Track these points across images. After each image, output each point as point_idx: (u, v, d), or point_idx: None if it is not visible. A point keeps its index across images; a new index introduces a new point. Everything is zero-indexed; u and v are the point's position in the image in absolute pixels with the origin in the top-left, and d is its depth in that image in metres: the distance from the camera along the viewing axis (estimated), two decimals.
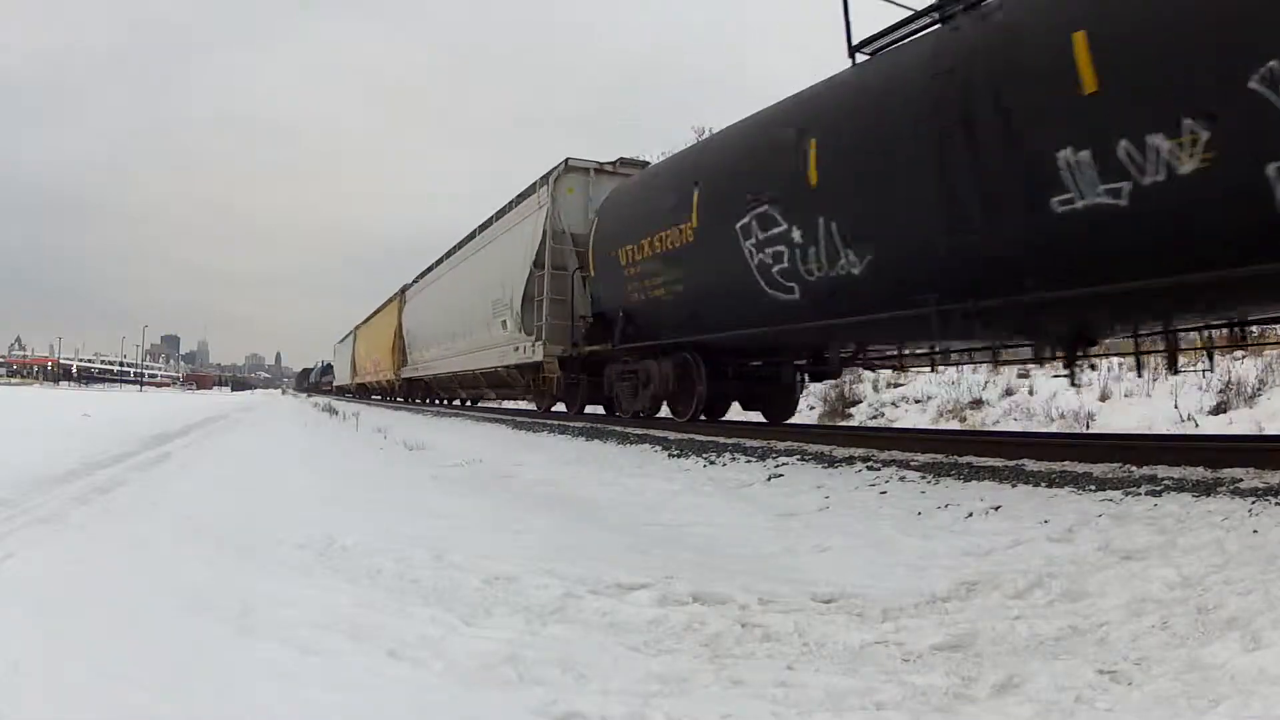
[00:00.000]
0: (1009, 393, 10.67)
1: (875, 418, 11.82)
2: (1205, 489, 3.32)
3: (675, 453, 6.65)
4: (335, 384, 45.25)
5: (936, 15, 5.10)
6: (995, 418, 10.13)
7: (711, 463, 5.99)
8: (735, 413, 9.90)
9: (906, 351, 7.04)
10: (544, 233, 10.94)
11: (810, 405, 12.75)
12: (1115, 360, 9.42)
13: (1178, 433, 7.39)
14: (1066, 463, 4.21)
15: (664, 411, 9.08)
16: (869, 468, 4.94)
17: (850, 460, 5.22)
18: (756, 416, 9.61)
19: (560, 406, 12.42)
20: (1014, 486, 3.96)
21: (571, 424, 10.16)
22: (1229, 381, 8.36)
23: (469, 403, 21.10)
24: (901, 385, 12.17)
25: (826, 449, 5.73)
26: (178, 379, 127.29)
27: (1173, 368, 5.20)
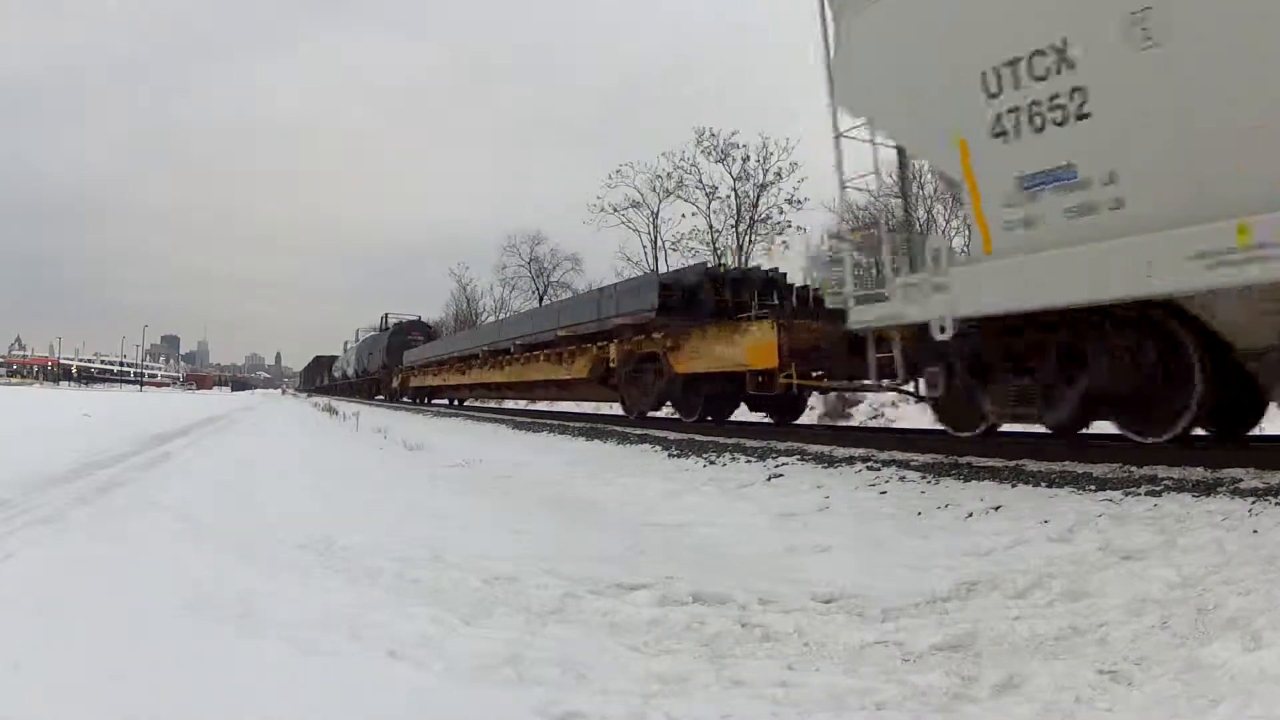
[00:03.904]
0: None
1: (875, 418, 11.82)
2: (1205, 489, 3.32)
3: (675, 453, 6.65)
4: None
5: None
6: None
7: (712, 463, 6.00)
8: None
9: None
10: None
11: (811, 405, 12.75)
12: None
13: None
14: (1066, 463, 4.21)
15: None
16: (869, 468, 4.94)
17: (850, 460, 5.22)
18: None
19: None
20: (1014, 486, 3.96)
21: (571, 424, 10.16)
22: None
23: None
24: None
25: (826, 449, 5.73)
26: (178, 379, 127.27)
27: None
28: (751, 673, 1.92)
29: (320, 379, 54.72)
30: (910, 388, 5.77)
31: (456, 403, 22.46)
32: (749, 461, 5.78)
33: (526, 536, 3.52)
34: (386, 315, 34.23)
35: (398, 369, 26.11)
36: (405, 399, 25.61)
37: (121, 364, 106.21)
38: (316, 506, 4.32)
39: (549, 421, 11.36)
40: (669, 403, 9.01)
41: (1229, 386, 4.02)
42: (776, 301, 8.60)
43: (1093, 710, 1.66)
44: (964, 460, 4.66)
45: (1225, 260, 3.38)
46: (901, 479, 4.52)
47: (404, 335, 29.19)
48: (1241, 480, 3.34)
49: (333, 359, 50.21)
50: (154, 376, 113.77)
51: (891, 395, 10.23)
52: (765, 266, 10.20)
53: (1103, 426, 5.77)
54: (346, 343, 45.10)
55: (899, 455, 5.12)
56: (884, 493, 4.33)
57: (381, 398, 29.84)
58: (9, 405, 17.62)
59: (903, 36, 4.94)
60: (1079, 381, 4.46)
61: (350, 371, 38.38)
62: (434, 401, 23.58)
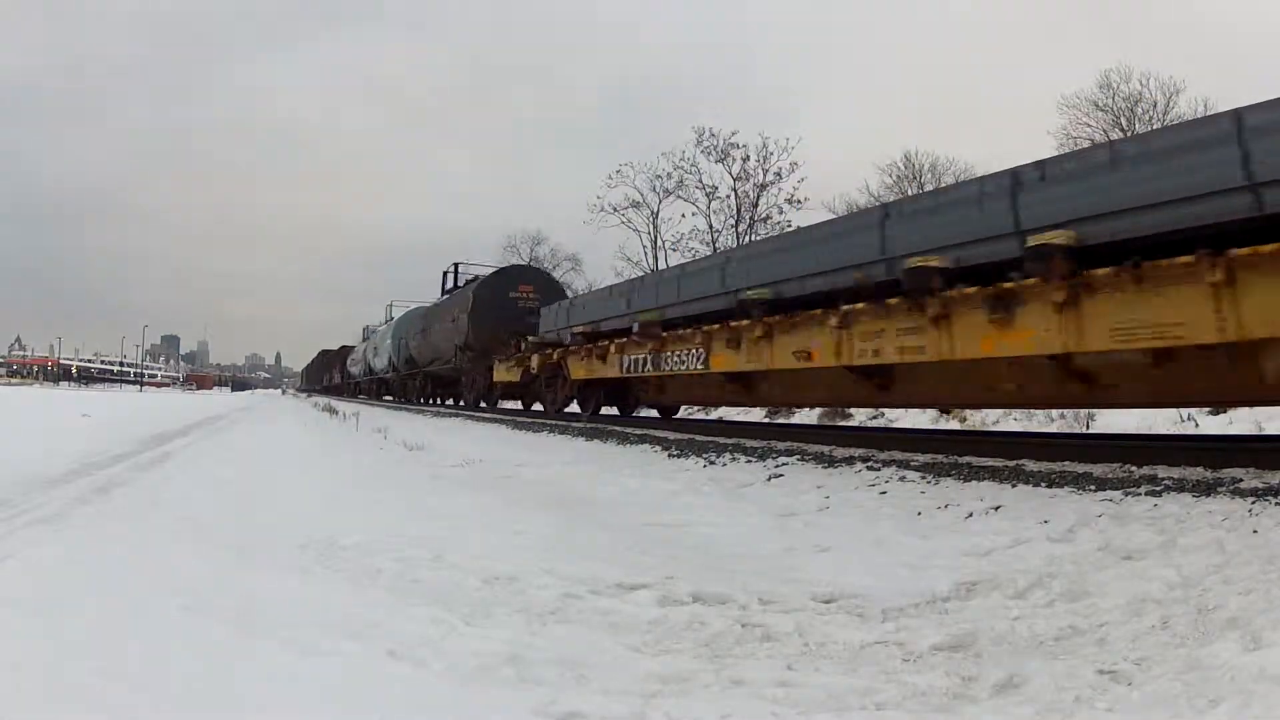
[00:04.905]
0: None
1: (875, 418, 11.83)
2: (1205, 489, 3.32)
3: (675, 453, 6.65)
4: None
5: None
6: (995, 418, 10.14)
7: (711, 463, 5.99)
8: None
9: None
10: None
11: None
12: None
13: (1178, 433, 7.39)
14: (1066, 463, 4.21)
15: None
16: (869, 468, 4.94)
17: (850, 460, 5.22)
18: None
19: None
20: (1014, 486, 3.96)
21: (572, 424, 10.16)
22: None
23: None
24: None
25: (826, 449, 5.73)
26: (178, 379, 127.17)
27: None
28: (752, 673, 1.92)
29: (328, 377, 44.18)
30: None
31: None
32: (749, 461, 5.78)
33: (527, 536, 3.52)
34: (457, 265, 20.45)
35: (510, 353, 13.03)
36: (527, 404, 14.51)
37: (121, 364, 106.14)
38: (317, 506, 4.32)
39: (550, 422, 11.35)
40: None
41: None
42: None
43: (1093, 710, 1.66)
44: (964, 460, 4.66)
45: None
46: (901, 479, 4.52)
47: (503, 291, 16.10)
48: (1241, 480, 3.34)
49: (345, 352, 39.35)
50: (154, 376, 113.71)
51: None
52: None
53: (1103, 426, 5.79)
54: (368, 328, 33.96)
55: (899, 455, 5.11)
56: (884, 493, 4.33)
57: (435, 403, 19.96)
58: (9, 405, 17.62)
59: None
60: None
61: (381, 363, 26.46)
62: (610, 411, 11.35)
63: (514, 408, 15.00)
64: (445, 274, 20.97)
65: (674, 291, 8.30)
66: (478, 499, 4.88)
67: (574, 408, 11.54)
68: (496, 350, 13.88)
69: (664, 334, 8.11)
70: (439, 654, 2.00)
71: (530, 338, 12.22)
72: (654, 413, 11.30)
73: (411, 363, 22.32)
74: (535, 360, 11.63)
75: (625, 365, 9.01)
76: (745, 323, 6.65)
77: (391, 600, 2.49)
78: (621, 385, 10.25)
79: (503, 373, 13.36)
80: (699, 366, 7.55)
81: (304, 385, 70.14)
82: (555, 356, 10.97)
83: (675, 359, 7.97)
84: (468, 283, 18.58)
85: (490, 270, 18.06)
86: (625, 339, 9.05)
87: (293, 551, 3.13)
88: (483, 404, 16.14)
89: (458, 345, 16.77)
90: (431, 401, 20.93)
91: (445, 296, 20.37)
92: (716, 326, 7.07)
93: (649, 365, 8.48)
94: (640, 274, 20.73)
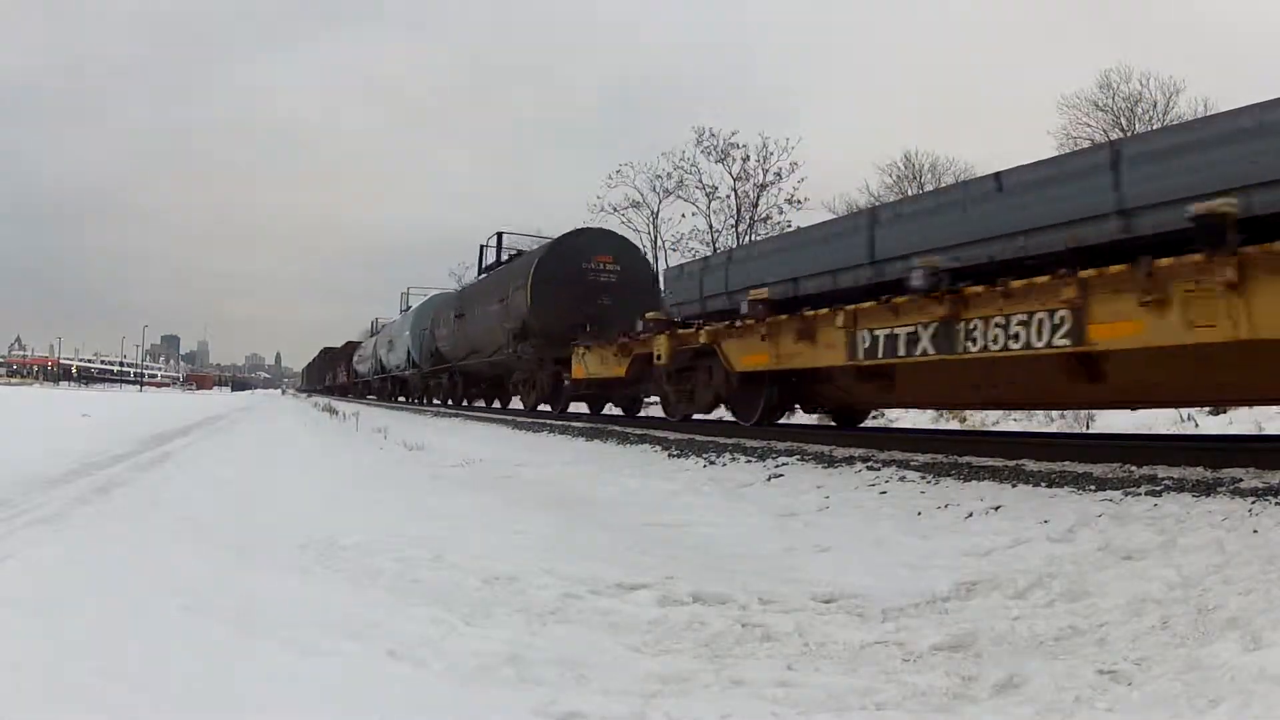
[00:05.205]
0: None
1: (875, 418, 11.82)
2: (1205, 489, 3.32)
3: (675, 453, 6.65)
4: None
5: None
6: (995, 418, 10.14)
7: (711, 463, 5.99)
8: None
9: None
10: None
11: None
12: None
13: (1178, 433, 7.39)
14: (1066, 463, 4.20)
15: None
16: (869, 468, 4.94)
17: (850, 460, 5.22)
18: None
19: None
20: (1014, 486, 3.96)
21: (572, 424, 10.16)
22: None
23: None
24: None
25: (826, 449, 5.72)
26: (178, 379, 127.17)
27: None
28: (752, 673, 1.92)
29: (331, 377, 41.63)
30: None
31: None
32: (749, 461, 5.78)
33: (527, 536, 3.52)
34: (501, 235, 16.05)
35: (616, 337, 9.15)
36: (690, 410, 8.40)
37: (121, 364, 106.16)
38: (317, 506, 4.32)
39: (549, 421, 11.36)
40: None
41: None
42: None
43: (1093, 710, 1.66)
44: (964, 460, 4.65)
45: None
46: (901, 479, 4.52)
47: (574, 262, 11.98)
48: (1241, 480, 3.33)
49: (351, 349, 35.62)
50: (154, 376, 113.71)
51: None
52: None
53: (1103, 426, 5.78)
54: (377, 321, 30.30)
55: (899, 455, 5.11)
56: (884, 493, 4.33)
57: (466, 405, 16.66)
58: (9, 405, 17.61)
59: None
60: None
61: (397, 359, 22.79)
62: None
63: (511, 408, 13.88)
64: (483, 248, 16.32)
65: (981, 219, 4.89)
66: (478, 499, 4.88)
67: (720, 413, 8.45)
68: (573, 336, 10.45)
69: (967, 290, 4.73)
70: (439, 654, 2.00)
71: (649, 314, 8.62)
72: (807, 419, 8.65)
73: (439, 357, 18.07)
74: (662, 345, 7.93)
75: (863, 346, 5.51)
76: (1196, 259, 3.59)
77: (391, 600, 2.49)
78: (803, 378, 7.02)
79: (594, 365, 9.66)
80: (1058, 341, 4.24)
81: (305, 385, 67.78)
82: (702, 338, 7.45)
83: (997, 330, 4.55)
84: (512, 257, 14.80)
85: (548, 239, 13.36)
86: (868, 304, 5.47)
87: (293, 551, 3.13)
88: (543, 406, 12.71)
89: (512, 331, 12.66)
90: (465, 405, 17.04)
91: (484, 275, 16.12)
92: (1119, 268, 3.91)
93: (922, 344, 5.05)
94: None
